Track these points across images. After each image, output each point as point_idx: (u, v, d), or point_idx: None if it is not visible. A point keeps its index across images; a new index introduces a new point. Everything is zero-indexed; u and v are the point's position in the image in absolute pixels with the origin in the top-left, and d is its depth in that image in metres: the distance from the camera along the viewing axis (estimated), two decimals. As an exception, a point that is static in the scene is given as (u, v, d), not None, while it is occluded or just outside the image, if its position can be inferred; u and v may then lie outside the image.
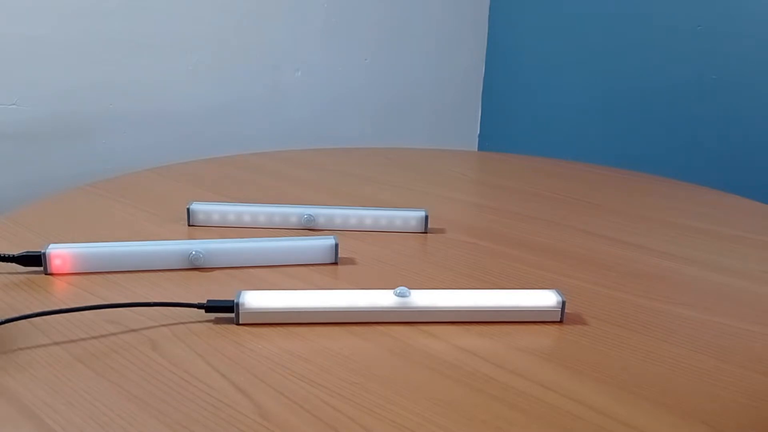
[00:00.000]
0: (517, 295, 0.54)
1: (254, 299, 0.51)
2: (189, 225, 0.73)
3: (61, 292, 0.55)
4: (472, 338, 0.50)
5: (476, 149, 1.81)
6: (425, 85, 1.67)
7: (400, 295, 0.52)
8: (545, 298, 0.54)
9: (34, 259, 0.58)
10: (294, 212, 0.74)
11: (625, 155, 1.56)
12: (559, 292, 0.54)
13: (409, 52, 1.61)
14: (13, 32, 1.05)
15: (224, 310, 0.51)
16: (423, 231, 0.75)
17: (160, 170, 1.00)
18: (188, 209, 0.73)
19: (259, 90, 1.37)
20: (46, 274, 0.58)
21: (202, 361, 0.45)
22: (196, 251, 0.60)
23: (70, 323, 0.50)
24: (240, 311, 0.50)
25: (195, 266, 0.61)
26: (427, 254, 0.69)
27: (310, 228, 0.74)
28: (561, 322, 0.53)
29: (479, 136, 1.82)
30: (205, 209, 0.74)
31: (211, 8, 1.27)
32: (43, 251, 0.58)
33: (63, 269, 0.58)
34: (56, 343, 0.47)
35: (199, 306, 0.51)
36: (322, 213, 0.74)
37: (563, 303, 0.53)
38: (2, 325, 0.48)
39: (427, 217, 0.75)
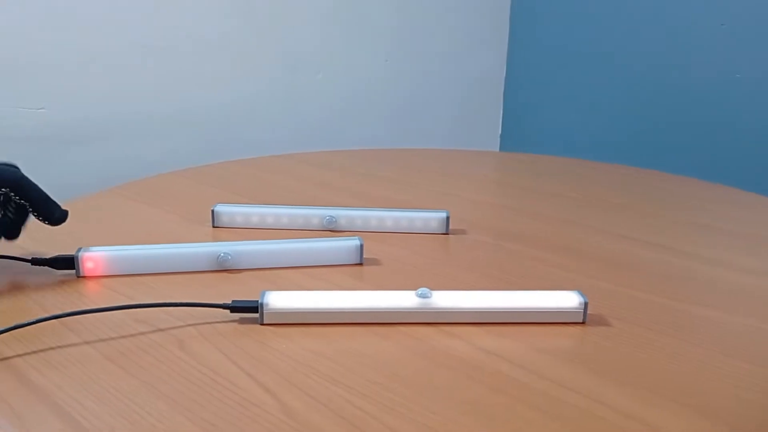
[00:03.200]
0: (539, 296, 0.54)
1: (278, 300, 0.52)
2: (213, 226, 0.75)
3: (92, 294, 0.56)
4: (494, 339, 0.50)
5: (498, 150, 1.81)
6: (446, 86, 1.67)
7: (422, 296, 0.53)
8: (567, 299, 0.54)
9: (67, 262, 0.59)
10: (316, 214, 0.75)
11: (647, 155, 1.54)
12: (582, 293, 0.54)
13: (429, 53, 1.62)
14: (41, 39, 1.07)
15: (249, 310, 0.52)
16: (444, 232, 0.75)
17: (184, 173, 1.01)
18: (213, 211, 0.74)
19: (280, 93, 1.38)
20: (78, 276, 0.60)
21: (228, 361, 0.46)
22: (224, 253, 0.61)
23: (101, 323, 0.51)
24: (264, 311, 0.51)
25: (223, 268, 0.62)
26: (448, 255, 0.69)
27: (331, 229, 0.75)
28: (583, 323, 0.53)
29: (500, 136, 1.82)
30: (229, 211, 0.75)
31: (233, 12, 1.28)
32: (75, 254, 0.59)
33: (95, 272, 0.60)
34: (87, 342, 0.48)
35: (224, 306, 0.52)
36: (343, 214, 0.75)
37: (585, 304, 0.53)
38: (34, 325, 0.49)
39: (448, 218, 0.75)
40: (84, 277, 0.60)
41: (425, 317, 0.52)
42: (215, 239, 0.72)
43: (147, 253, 0.61)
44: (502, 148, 1.81)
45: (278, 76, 1.37)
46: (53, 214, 0.58)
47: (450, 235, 0.75)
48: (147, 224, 0.75)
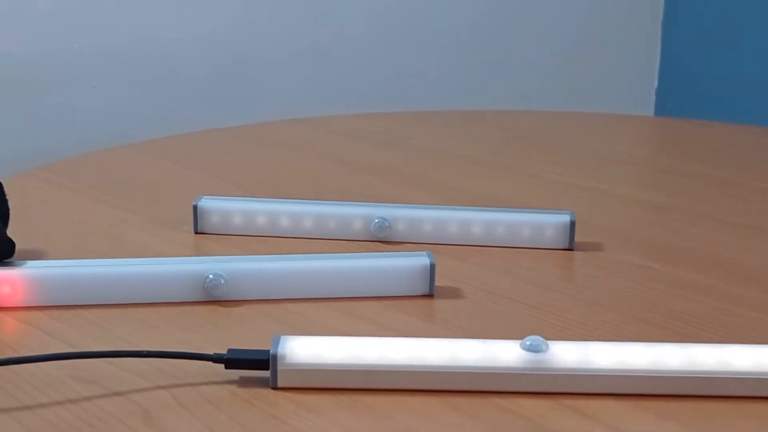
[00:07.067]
0: (726, 353, 0.53)
1: (300, 350, 0.52)
2: (196, 232, 0.75)
3: (10, 335, 0.58)
4: (654, 422, 0.50)
5: (652, 112, 1.79)
6: (574, 17, 1.66)
7: (532, 348, 0.53)
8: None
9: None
10: (358, 214, 0.75)
11: None
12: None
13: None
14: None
15: (254, 365, 0.52)
16: (567, 247, 0.75)
17: (148, 146, 1.03)
18: (195, 207, 0.75)
19: (295, 17, 1.39)
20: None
21: (222, 445, 0.47)
22: (214, 274, 0.62)
23: (24, 381, 0.52)
24: (279, 368, 0.52)
25: (213, 298, 0.63)
26: (573, 284, 0.69)
27: (382, 239, 0.75)
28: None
29: (657, 92, 1.80)
30: (220, 208, 0.76)
31: None
32: (-18, 273, 0.61)
33: (12, 301, 0.61)
34: (2, 410, 0.49)
35: (216, 359, 0.52)
36: (401, 216, 0.75)
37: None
38: None
39: (573, 224, 0.75)
40: (-4, 308, 0.61)
41: (537, 383, 0.52)
42: (199, 252, 0.73)
43: (93, 273, 0.62)
44: (659, 109, 1.79)
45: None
46: None
47: (576, 252, 0.74)
48: (90, 227, 0.77)
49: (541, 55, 1.65)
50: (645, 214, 0.88)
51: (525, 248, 0.75)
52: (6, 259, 0.64)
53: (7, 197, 0.69)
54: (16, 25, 1.16)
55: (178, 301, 0.63)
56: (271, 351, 0.52)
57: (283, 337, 0.53)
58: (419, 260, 0.65)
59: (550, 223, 0.75)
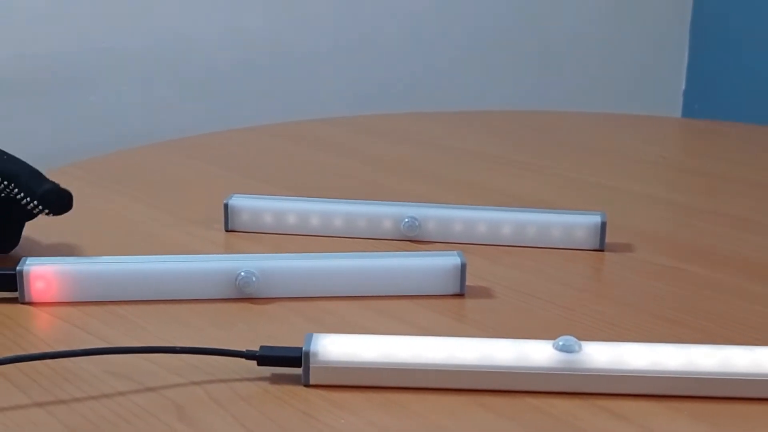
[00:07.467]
0: (760, 355, 0.53)
1: (332, 347, 0.53)
2: (227, 230, 0.76)
3: (45, 330, 0.59)
4: (687, 424, 0.50)
5: (679, 114, 1.79)
6: (601, 18, 1.66)
7: (564, 348, 0.52)
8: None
9: (6, 281, 0.61)
10: (388, 213, 0.76)
11: None
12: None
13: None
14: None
15: (286, 362, 0.53)
16: (597, 248, 0.75)
17: (178, 144, 1.04)
18: (226, 205, 0.76)
19: (324, 16, 1.39)
20: (22, 302, 0.62)
21: (255, 441, 0.47)
22: (245, 272, 0.62)
23: (59, 376, 0.52)
24: (311, 365, 0.52)
25: (244, 295, 0.63)
26: (604, 285, 0.69)
27: (412, 239, 0.75)
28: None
29: (684, 93, 1.80)
30: (251, 206, 0.76)
31: None
32: (18, 268, 0.61)
33: (46, 296, 0.61)
34: (38, 405, 0.49)
35: (248, 356, 0.53)
36: (431, 215, 0.75)
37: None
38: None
39: (603, 225, 0.75)
40: (31, 303, 0.61)
41: (570, 383, 0.52)
42: (230, 250, 0.73)
43: (125, 270, 0.63)
44: (686, 111, 1.79)
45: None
46: (36, 189, 0.63)
47: (607, 253, 0.74)
48: (122, 226, 0.78)
49: (569, 56, 1.65)
50: (674, 215, 0.88)
51: (555, 249, 0.75)
52: (66, 212, 0.65)
53: None
54: (48, 25, 1.17)
55: (209, 298, 0.63)
56: (303, 348, 0.52)
57: (315, 335, 0.53)
58: (450, 259, 0.65)
59: (580, 223, 0.75)
